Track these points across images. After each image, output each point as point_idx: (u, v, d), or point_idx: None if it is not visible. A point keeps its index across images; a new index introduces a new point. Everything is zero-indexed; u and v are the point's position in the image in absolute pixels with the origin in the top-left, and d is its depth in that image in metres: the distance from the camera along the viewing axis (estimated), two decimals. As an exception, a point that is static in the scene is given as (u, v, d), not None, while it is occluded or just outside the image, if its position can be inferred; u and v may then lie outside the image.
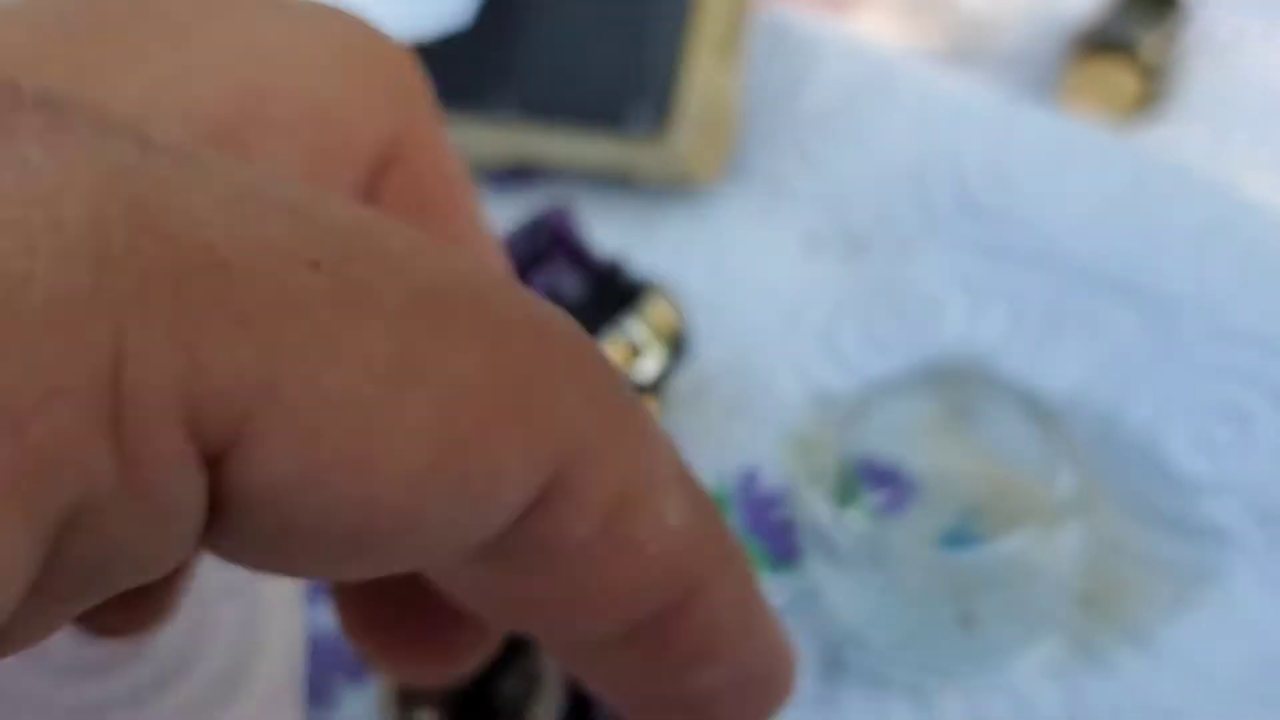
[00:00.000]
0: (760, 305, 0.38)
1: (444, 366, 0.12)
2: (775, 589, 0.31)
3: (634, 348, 0.33)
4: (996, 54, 0.45)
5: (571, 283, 0.33)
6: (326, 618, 0.33)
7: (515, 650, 0.29)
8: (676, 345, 0.34)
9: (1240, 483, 0.30)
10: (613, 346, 0.33)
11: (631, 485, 0.14)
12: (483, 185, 0.44)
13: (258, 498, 0.12)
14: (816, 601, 0.31)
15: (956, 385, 0.33)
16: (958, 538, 0.31)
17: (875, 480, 0.32)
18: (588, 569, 0.14)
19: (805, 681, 0.29)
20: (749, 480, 0.34)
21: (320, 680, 0.32)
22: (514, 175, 0.43)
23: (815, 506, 0.29)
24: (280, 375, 0.11)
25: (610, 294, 0.34)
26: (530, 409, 0.13)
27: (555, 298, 0.33)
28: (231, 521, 0.12)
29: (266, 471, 0.11)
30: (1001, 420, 0.30)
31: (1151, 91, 0.41)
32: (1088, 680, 0.28)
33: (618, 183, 0.41)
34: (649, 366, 0.34)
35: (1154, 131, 0.41)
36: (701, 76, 0.39)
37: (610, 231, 0.41)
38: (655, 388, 0.34)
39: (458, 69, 0.41)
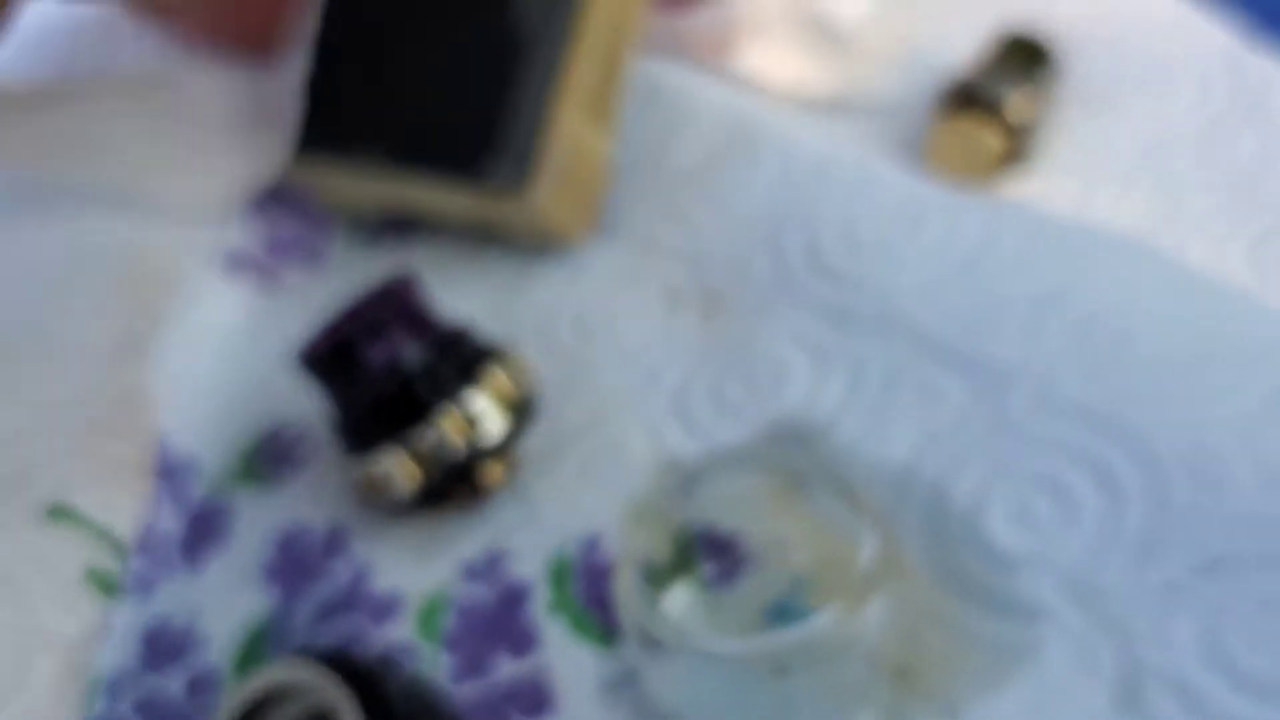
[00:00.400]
0: (620, 365, 0.38)
1: None
2: (604, 665, 0.31)
3: (470, 419, 0.33)
4: (878, 105, 0.45)
5: (413, 351, 0.34)
6: (176, 684, 0.33)
7: None
8: (521, 410, 0.34)
9: (1059, 559, 0.30)
10: (447, 420, 0.33)
11: None
12: (360, 240, 0.44)
13: None
14: (643, 677, 0.31)
15: (792, 454, 0.33)
16: (785, 610, 0.31)
17: (711, 550, 0.32)
18: None
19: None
20: (591, 548, 0.34)
21: None
22: (393, 227, 0.44)
23: (629, 596, 0.29)
24: None
25: (451, 363, 0.34)
26: None
27: (396, 367, 0.33)
28: None
29: None
30: (820, 490, 0.30)
31: (1017, 149, 0.41)
32: (897, 759, 0.28)
33: (492, 240, 0.42)
34: (491, 432, 0.34)
35: (1020, 186, 0.41)
36: (567, 133, 0.39)
37: (482, 288, 0.41)
38: (501, 451, 0.34)
39: (327, 116, 0.41)
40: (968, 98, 0.41)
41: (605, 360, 0.38)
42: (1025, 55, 0.43)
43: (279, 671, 0.28)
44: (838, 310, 0.36)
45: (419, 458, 0.33)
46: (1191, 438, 0.31)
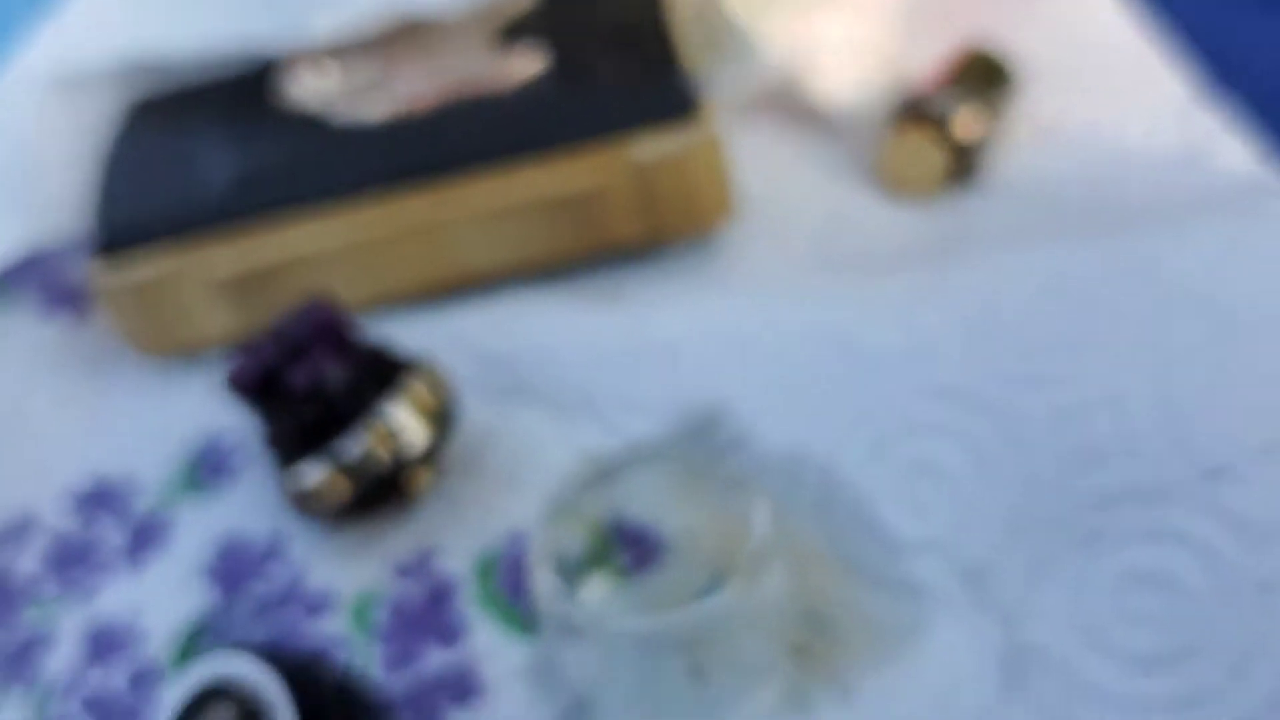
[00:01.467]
0: (532, 367, 0.40)
1: None
2: (528, 652, 0.34)
3: (392, 431, 0.35)
4: (844, 119, 0.47)
5: (335, 370, 0.35)
6: (118, 678, 0.35)
7: None
8: (441, 419, 0.36)
9: (942, 540, 0.32)
10: (371, 434, 0.35)
11: None
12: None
13: None
14: (558, 661, 0.33)
15: (693, 447, 0.35)
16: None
17: (627, 541, 0.35)
18: None
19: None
20: (515, 544, 0.36)
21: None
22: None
23: (544, 586, 0.31)
24: None
25: (372, 379, 0.36)
26: None
27: (320, 386, 0.35)
28: None
29: None
30: (720, 475, 0.33)
31: (963, 165, 0.42)
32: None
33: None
34: (414, 442, 0.36)
35: (960, 203, 0.43)
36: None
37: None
38: (426, 458, 0.36)
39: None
40: (918, 112, 0.43)
41: (517, 363, 0.40)
42: (983, 73, 0.44)
43: (215, 665, 0.30)
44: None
45: (346, 470, 0.35)
46: (1060, 415, 0.33)
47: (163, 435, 0.42)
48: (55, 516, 0.41)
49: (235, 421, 0.41)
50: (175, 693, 0.30)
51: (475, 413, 0.39)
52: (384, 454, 0.35)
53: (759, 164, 0.45)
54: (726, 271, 0.41)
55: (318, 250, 0.41)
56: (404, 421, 0.35)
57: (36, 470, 0.42)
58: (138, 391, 0.44)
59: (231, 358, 0.36)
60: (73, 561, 0.39)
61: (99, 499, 0.41)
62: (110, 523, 0.40)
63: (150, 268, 0.41)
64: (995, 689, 0.30)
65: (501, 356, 0.40)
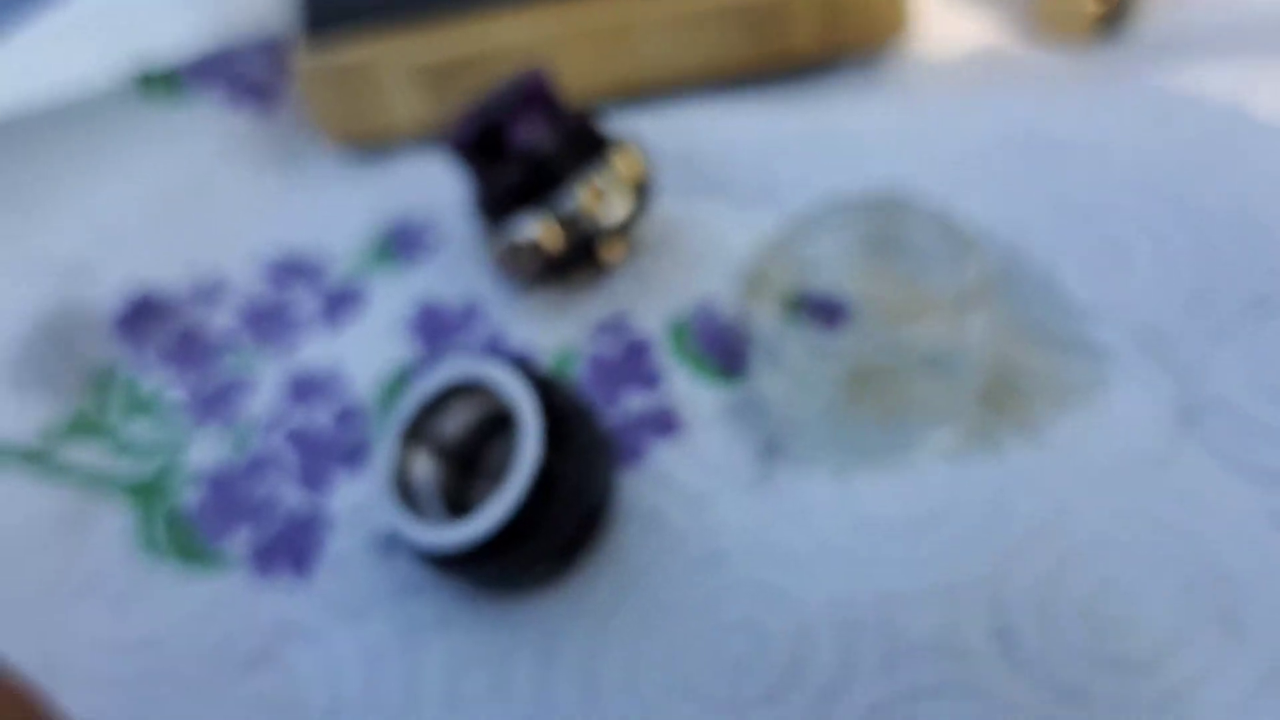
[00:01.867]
0: (721, 157, 0.42)
1: None
2: (724, 395, 0.36)
3: (599, 191, 0.38)
4: None
5: (545, 133, 0.38)
6: (322, 416, 0.37)
7: (503, 423, 0.34)
8: (640, 193, 0.39)
9: (1122, 309, 0.35)
10: (582, 190, 0.37)
11: None
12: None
13: None
14: (760, 402, 0.36)
15: (880, 214, 0.37)
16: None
17: (813, 308, 0.37)
18: None
19: (746, 467, 0.34)
20: (704, 312, 0.38)
21: (316, 468, 0.37)
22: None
23: (764, 322, 0.34)
24: None
25: (581, 145, 0.38)
26: None
27: (531, 145, 0.37)
28: None
29: None
30: (915, 238, 0.35)
31: (1113, 14, 0.44)
32: (982, 464, 0.33)
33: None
34: (617, 210, 0.38)
35: (1106, 54, 0.45)
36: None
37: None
38: (623, 230, 0.39)
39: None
40: None
41: (698, 160, 0.42)
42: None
43: (463, 364, 0.33)
44: (914, 105, 0.40)
45: (562, 222, 0.37)
46: (1234, 201, 0.35)
47: (353, 215, 0.44)
48: (246, 282, 0.43)
49: (427, 202, 0.44)
50: (423, 385, 0.33)
51: (664, 204, 0.41)
52: (594, 212, 0.37)
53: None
54: (898, 83, 0.44)
55: (513, 43, 0.44)
56: (610, 186, 0.38)
57: (226, 239, 0.45)
58: (327, 176, 0.46)
59: (446, 125, 0.39)
60: (268, 320, 0.42)
61: (290, 267, 0.43)
62: (303, 289, 0.43)
63: (353, 52, 0.44)
64: (1172, 432, 0.33)
65: (682, 155, 0.42)
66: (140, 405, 0.40)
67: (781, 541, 0.33)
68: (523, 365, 0.33)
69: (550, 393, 0.32)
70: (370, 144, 0.46)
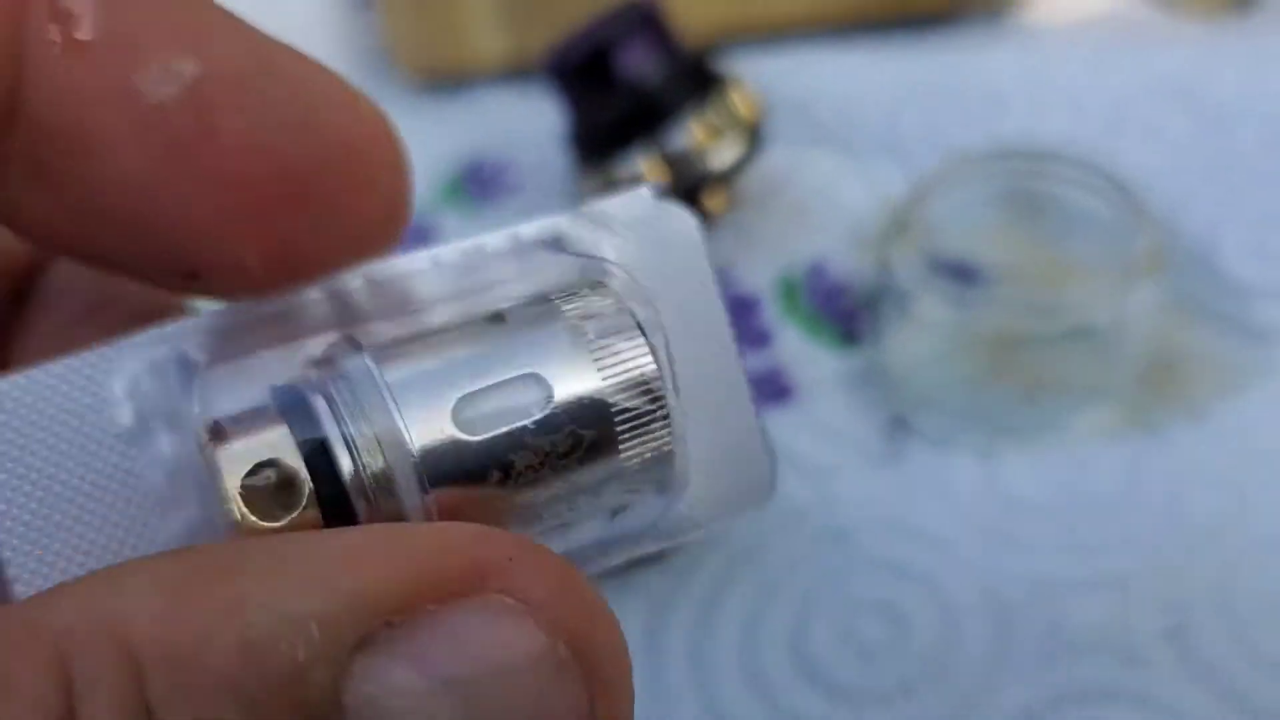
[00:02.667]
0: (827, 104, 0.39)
1: None
2: (843, 362, 0.33)
3: (715, 129, 0.34)
4: None
5: (655, 64, 0.34)
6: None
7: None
8: (752, 136, 0.35)
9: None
10: (696, 126, 0.34)
11: None
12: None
13: None
14: (886, 371, 0.32)
15: (1019, 163, 0.34)
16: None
17: (944, 269, 0.34)
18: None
19: (871, 440, 0.31)
20: (818, 271, 0.35)
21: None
22: None
23: (904, 274, 0.30)
24: None
25: (694, 80, 0.35)
26: None
27: (639, 76, 0.34)
28: None
29: None
30: (1071, 194, 0.31)
31: None
32: (1145, 448, 0.30)
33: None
34: (726, 154, 0.35)
35: (1244, 23, 0.41)
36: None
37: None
38: (729, 177, 0.35)
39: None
40: None
41: (816, 109, 0.39)
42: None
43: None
44: (1052, 53, 0.37)
45: (670, 161, 0.34)
46: None
47: (421, 148, 0.41)
48: None
49: (506, 140, 0.40)
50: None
51: (771, 155, 0.38)
52: (706, 152, 0.34)
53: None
54: (1029, 37, 0.40)
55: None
56: (720, 127, 0.34)
57: None
58: (404, 105, 0.42)
59: (546, 49, 0.35)
60: None
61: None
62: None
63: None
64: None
65: (797, 103, 0.39)
66: None
67: (918, 520, 0.29)
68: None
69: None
70: (448, 78, 0.42)
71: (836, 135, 0.38)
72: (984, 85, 0.37)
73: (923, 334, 0.31)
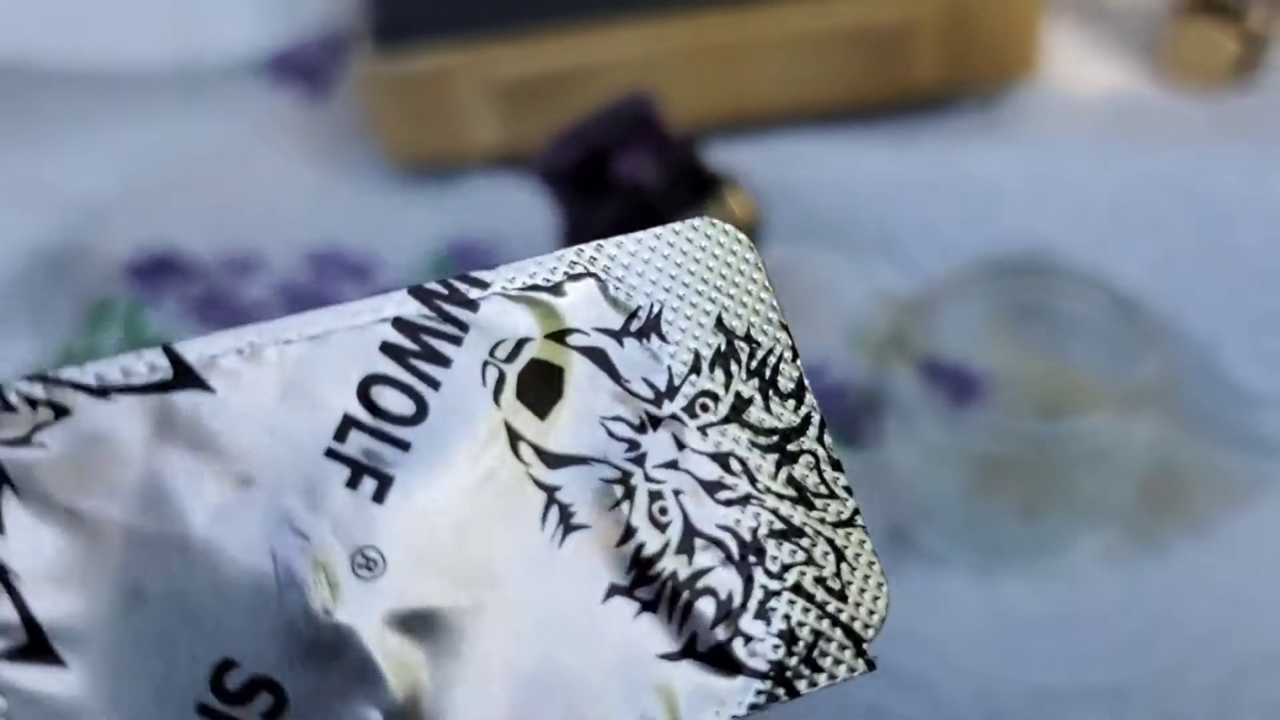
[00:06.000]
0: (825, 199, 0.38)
1: None
2: (847, 463, 0.32)
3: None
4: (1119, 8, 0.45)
5: (652, 166, 0.34)
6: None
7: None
8: (751, 234, 0.35)
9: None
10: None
11: None
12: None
13: None
14: (885, 477, 0.32)
15: (1022, 279, 0.33)
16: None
17: (943, 379, 0.33)
18: None
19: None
20: (819, 373, 0.35)
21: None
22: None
23: (900, 386, 0.30)
24: None
25: (689, 181, 0.34)
26: None
27: (639, 183, 0.33)
28: None
29: None
30: (1075, 311, 0.31)
31: (1251, 58, 0.41)
32: (1146, 566, 0.29)
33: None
34: (724, 255, 0.34)
35: (1247, 99, 0.41)
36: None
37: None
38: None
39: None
40: (1210, 2, 0.41)
41: (810, 200, 0.39)
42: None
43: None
44: (1053, 142, 0.37)
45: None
46: None
47: (409, 227, 0.40)
48: (284, 265, 0.39)
49: (494, 228, 0.40)
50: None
51: (767, 252, 0.37)
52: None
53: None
54: (1026, 126, 0.40)
55: (608, 61, 0.40)
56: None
57: (261, 219, 0.40)
58: (381, 185, 0.42)
59: (539, 149, 0.35)
60: (308, 303, 0.38)
61: (334, 261, 0.39)
62: (348, 285, 0.38)
63: (427, 59, 0.40)
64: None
65: (792, 193, 0.39)
66: (145, 341, 0.36)
67: (915, 628, 0.29)
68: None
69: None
70: (437, 165, 0.42)
71: (832, 229, 0.38)
72: (980, 179, 0.37)
73: (921, 445, 0.30)
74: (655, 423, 0.15)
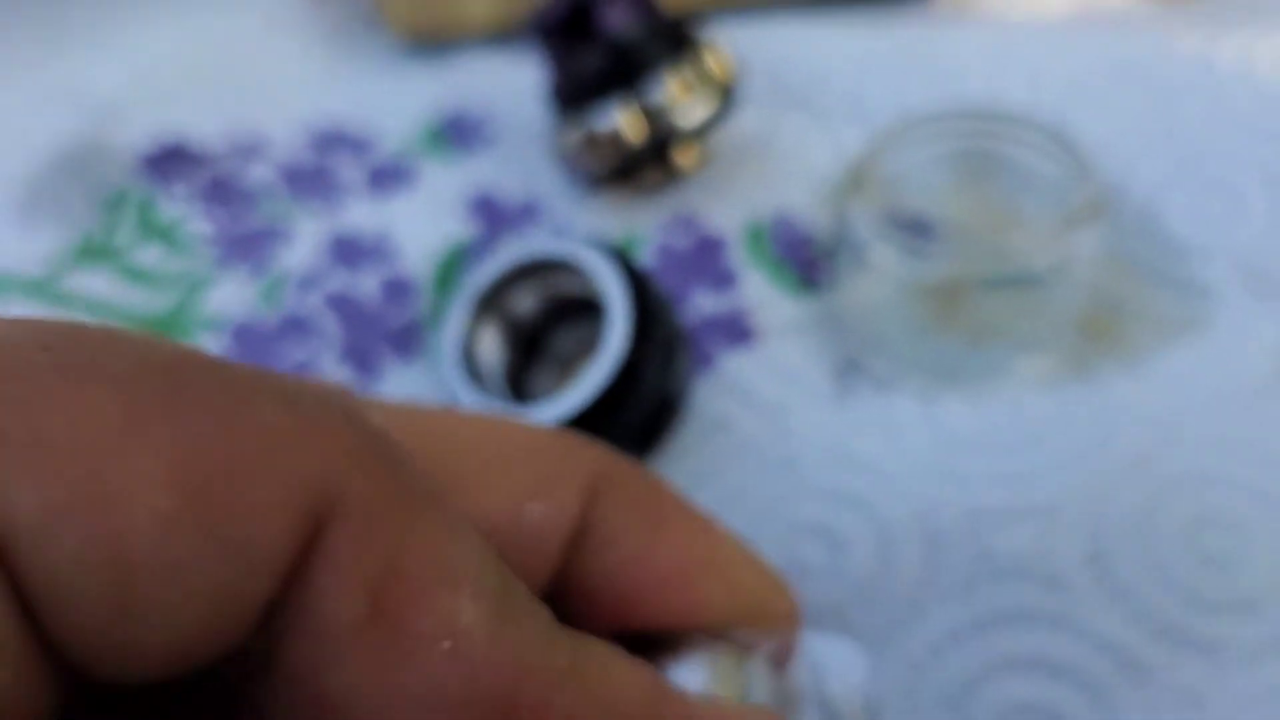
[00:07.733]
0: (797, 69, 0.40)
1: (174, 421, 0.12)
2: (802, 307, 0.34)
3: (689, 84, 0.36)
4: None
5: (635, 21, 0.36)
6: (368, 282, 0.35)
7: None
8: (724, 95, 0.37)
9: (1229, 249, 0.33)
10: (672, 80, 0.35)
11: (407, 563, 0.13)
12: None
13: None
14: (842, 314, 0.34)
15: (982, 126, 0.35)
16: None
17: (898, 218, 0.35)
18: (368, 665, 0.13)
19: (823, 380, 0.33)
20: (783, 221, 0.37)
21: (362, 344, 0.35)
22: None
23: (860, 224, 0.32)
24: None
25: (671, 39, 0.36)
26: (275, 453, 0.13)
27: (622, 35, 0.35)
28: None
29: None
30: (1022, 156, 0.33)
31: None
32: (1080, 392, 0.31)
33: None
34: (699, 111, 0.36)
35: (1211, 6, 0.42)
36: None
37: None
38: (701, 134, 0.37)
39: None
40: None
41: (784, 75, 0.41)
42: None
43: (550, 242, 0.31)
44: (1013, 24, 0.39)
45: (648, 113, 0.35)
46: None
47: (406, 99, 0.42)
48: (287, 143, 0.41)
49: (487, 96, 0.42)
50: (502, 256, 0.31)
51: (742, 116, 0.40)
52: (682, 105, 0.36)
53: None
54: (996, 11, 0.42)
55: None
56: (694, 84, 0.36)
57: (268, 103, 0.42)
58: (382, 61, 0.44)
59: (532, 7, 0.37)
60: (309, 180, 0.40)
61: (335, 137, 0.41)
62: (348, 157, 0.40)
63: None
64: (1272, 369, 0.31)
65: (768, 68, 0.41)
66: (157, 231, 0.38)
67: (861, 452, 0.31)
68: (611, 249, 0.31)
69: (639, 281, 0.30)
70: (435, 38, 0.44)
71: (805, 100, 0.40)
72: (947, 58, 0.39)
73: (875, 283, 0.32)
74: None
